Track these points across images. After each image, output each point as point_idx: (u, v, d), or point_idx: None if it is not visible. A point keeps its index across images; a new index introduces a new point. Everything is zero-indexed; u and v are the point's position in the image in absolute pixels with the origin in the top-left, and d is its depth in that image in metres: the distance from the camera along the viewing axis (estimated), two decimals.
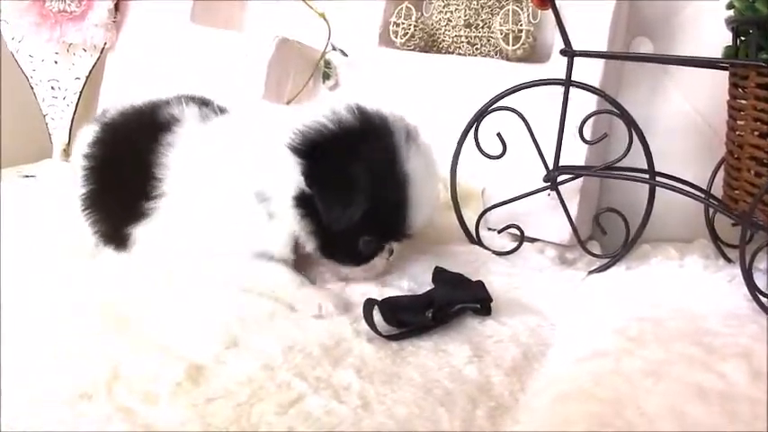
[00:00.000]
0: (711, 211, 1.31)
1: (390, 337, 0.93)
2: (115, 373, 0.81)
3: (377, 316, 0.95)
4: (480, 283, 1.03)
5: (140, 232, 1.13)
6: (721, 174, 1.29)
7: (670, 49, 1.49)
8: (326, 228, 1.02)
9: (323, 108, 1.06)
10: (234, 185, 1.07)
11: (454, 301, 0.99)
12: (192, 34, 1.71)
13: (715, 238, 1.31)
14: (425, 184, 1.06)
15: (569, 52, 1.22)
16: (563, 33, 1.21)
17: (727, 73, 1.22)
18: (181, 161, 1.11)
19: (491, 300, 1.01)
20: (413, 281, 1.12)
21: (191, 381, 0.81)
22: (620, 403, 0.83)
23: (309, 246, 1.06)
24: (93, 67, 1.88)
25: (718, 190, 1.28)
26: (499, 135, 1.25)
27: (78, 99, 1.89)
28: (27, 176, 1.74)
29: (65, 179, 1.58)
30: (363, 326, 0.95)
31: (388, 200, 1.03)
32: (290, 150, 1.02)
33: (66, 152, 1.88)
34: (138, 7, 1.82)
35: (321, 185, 1.01)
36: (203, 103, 1.20)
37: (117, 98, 1.75)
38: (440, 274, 1.08)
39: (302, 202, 1.02)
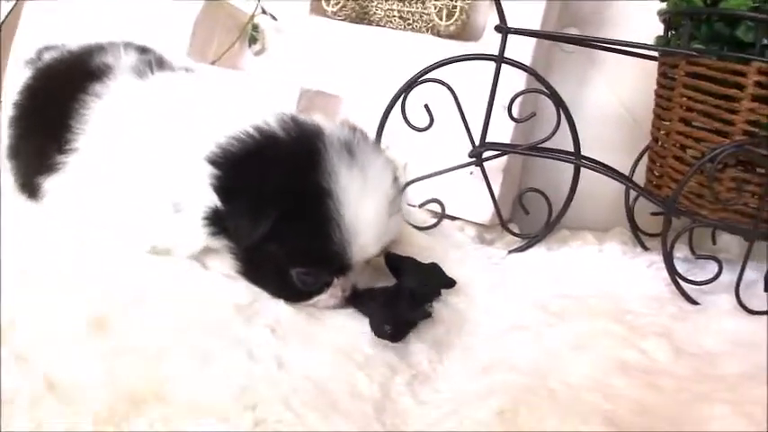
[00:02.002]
0: (632, 199, 1.32)
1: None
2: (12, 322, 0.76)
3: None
4: (438, 268, 1.00)
5: (50, 184, 1.06)
6: (642, 164, 1.30)
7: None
8: (244, 249, 0.92)
9: (253, 116, 0.95)
10: (148, 178, 0.96)
11: (430, 292, 0.96)
12: None
13: (634, 225, 1.32)
14: (366, 205, 0.90)
15: (504, 29, 1.21)
16: (499, 9, 1.20)
17: (652, 65, 1.23)
18: (102, 118, 1.03)
19: (454, 284, 0.99)
20: None
21: (95, 331, 0.76)
22: (543, 374, 0.82)
23: (234, 270, 0.94)
24: (8, 15, 1.80)
25: (639, 179, 1.30)
26: (426, 107, 1.22)
27: None
28: None
29: None
30: None
31: (313, 221, 0.89)
32: (208, 162, 0.90)
33: None
34: None
35: (230, 198, 0.90)
36: (143, 50, 1.13)
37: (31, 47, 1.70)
38: (396, 261, 1.01)
39: (215, 219, 0.91)
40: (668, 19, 1.16)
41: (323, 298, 0.93)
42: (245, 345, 0.78)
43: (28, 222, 1.04)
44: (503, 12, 1.21)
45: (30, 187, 1.10)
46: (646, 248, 1.30)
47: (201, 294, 0.87)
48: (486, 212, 1.33)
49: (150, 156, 0.97)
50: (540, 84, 1.23)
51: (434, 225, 1.27)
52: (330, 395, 0.74)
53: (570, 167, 1.27)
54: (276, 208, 0.87)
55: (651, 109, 1.25)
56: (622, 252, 1.25)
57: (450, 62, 1.22)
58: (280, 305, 0.88)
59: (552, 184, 1.34)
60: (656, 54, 1.22)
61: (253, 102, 1.02)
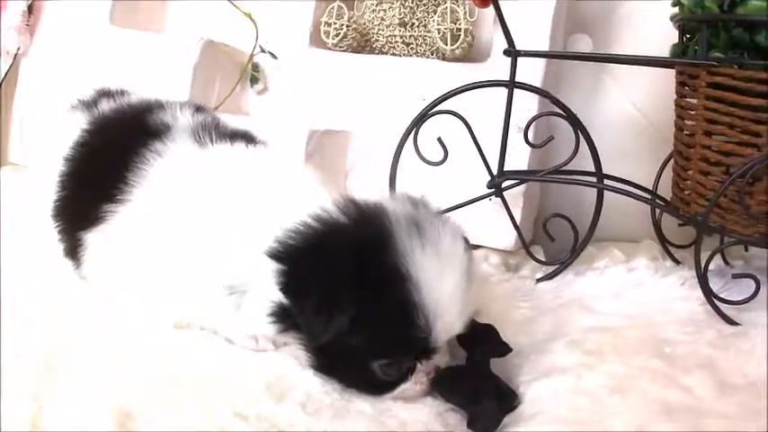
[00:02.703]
0: (658, 212, 1.29)
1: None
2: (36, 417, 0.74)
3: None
4: (494, 331, 0.94)
5: (93, 237, 1.04)
6: (665, 173, 1.27)
7: (608, 43, 1.48)
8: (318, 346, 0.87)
9: (311, 202, 0.90)
10: (200, 254, 0.93)
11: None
12: (112, 36, 1.61)
13: (662, 240, 1.29)
14: (445, 283, 0.84)
15: (513, 52, 1.17)
16: (506, 32, 1.16)
17: (667, 70, 1.20)
18: (159, 176, 1.01)
19: (510, 351, 0.93)
20: None
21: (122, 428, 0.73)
22: (585, 424, 0.79)
23: (307, 364, 0.89)
24: (7, 73, 1.77)
25: (663, 187, 1.27)
26: (440, 140, 1.19)
27: None
28: None
29: None
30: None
31: (392, 308, 0.83)
32: (269, 257, 0.86)
33: None
34: (53, 10, 1.72)
35: (297, 295, 0.85)
36: (198, 109, 1.12)
37: (34, 104, 1.68)
38: None
39: (282, 316, 0.88)
40: (682, 25, 1.13)
41: (408, 386, 0.87)
42: (275, 425, 0.76)
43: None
44: (510, 34, 1.17)
45: (73, 248, 1.08)
46: (677, 262, 1.26)
47: (226, 374, 0.85)
48: (508, 238, 1.31)
49: (205, 233, 0.93)
50: (556, 106, 1.19)
51: None
52: None
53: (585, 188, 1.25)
54: (351, 302, 0.82)
55: (669, 112, 1.22)
56: (654, 270, 1.22)
57: (460, 92, 1.19)
58: (308, 378, 0.85)
59: (572, 203, 1.33)
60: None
61: (309, 184, 0.98)
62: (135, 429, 0.73)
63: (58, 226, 1.11)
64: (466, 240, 0.92)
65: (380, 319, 0.83)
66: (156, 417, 0.76)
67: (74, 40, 1.65)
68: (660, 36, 1.22)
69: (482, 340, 0.92)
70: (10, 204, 1.39)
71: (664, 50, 1.19)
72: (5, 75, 1.77)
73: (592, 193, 1.26)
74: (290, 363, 0.88)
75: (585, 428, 0.78)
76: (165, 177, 1.00)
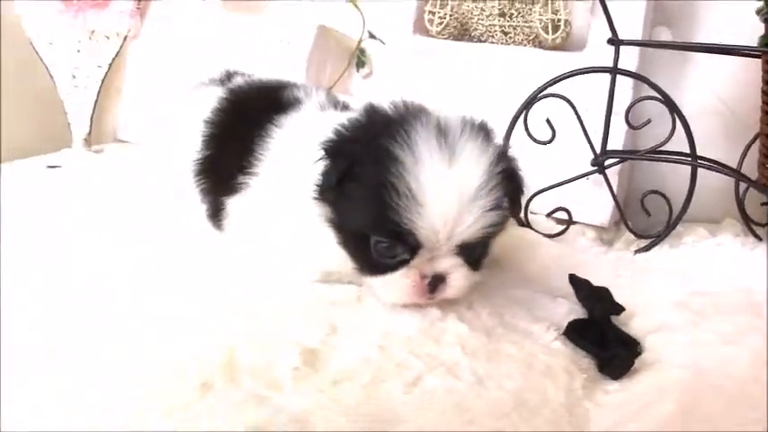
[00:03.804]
0: (741, 191, 1.38)
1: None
2: (231, 361, 0.83)
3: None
4: (608, 293, 1.05)
5: (232, 205, 1.13)
6: (750, 155, 1.37)
7: (688, 36, 1.56)
8: (337, 218, 0.97)
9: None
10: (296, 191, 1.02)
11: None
12: (225, 21, 1.72)
13: (745, 217, 1.38)
14: (447, 187, 0.89)
15: (616, 41, 1.28)
16: (610, 23, 1.27)
17: (745, 61, 1.31)
18: (280, 145, 1.10)
19: (623, 310, 1.03)
20: (485, 267, 1.08)
21: (308, 366, 0.83)
22: (704, 370, 0.88)
23: (333, 242, 0.99)
24: (116, 55, 1.89)
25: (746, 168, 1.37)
26: (548, 121, 1.30)
27: (100, 87, 1.90)
28: (52, 167, 1.73)
29: (91, 169, 1.64)
30: (449, 306, 0.98)
31: (392, 191, 0.88)
32: (321, 150, 0.97)
33: (88, 141, 1.89)
34: None
35: (328, 158, 0.96)
36: (329, 93, 1.20)
37: (142, 85, 1.79)
38: (580, 285, 1.07)
39: (320, 188, 0.98)
40: None
41: (397, 276, 0.94)
42: (443, 364, 0.85)
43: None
44: (613, 25, 1.28)
45: (216, 211, 1.16)
46: (759, 238, 1.35)
47: (383, 320, 0.95)
48: (604, 214, 1.41)
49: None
50: (655, 91, 1.30)
51: (562, 232, 1.35)
52: (527, 403, 0.81)
53: (670, 166, 1.35)
54: (351, 158, 0.92)
55: (747, 101, 1.33)
56: (741, 244, 1.31)
57: (569, 76, 1.30)
58: (457, 325, 0.95)
59: (658, 184, 1.41)
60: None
61: None
62: (320, 368, 0.83)
63: (200, 184, 1.19)
64: (498, 169, 0.94)
65: (380, 199, 0.89)
66: (335, 355, 0.87)
67: (185, 23, 1.77)
68: (739, 21, 1.32)
69: (600, 299, 1.04)
70: (117, 179, 1.50)
71: (738, 42, 1.30)
72: (115, 56, 1.88)
73: (675, 172, 1.36)
74: (433, 313, 0.97)
75: (706, 374, 0.87)
76: (282, 144, 1.10)
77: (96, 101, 1.89)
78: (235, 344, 0.85)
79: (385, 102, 1.00)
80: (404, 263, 0.94)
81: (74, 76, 1.88)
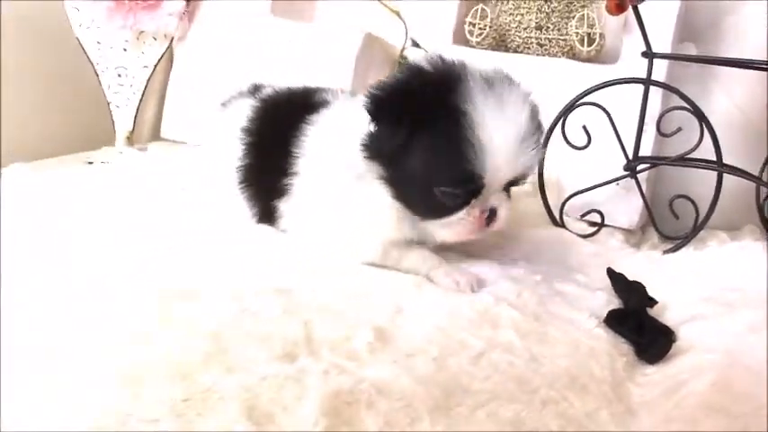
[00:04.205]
0: (762, 197, 1.47)
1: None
2: (309, 335, 0.89)
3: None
4: (642, 287, 1.13)
5: (284, 206, 1.19)
6: None
7: (713, 52, 1.65)
8: (393, 171, 1.05)
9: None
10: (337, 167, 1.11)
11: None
12: (273, 27, 1.79)
13: (766, 223, 1.47)
14: (500, 130, 1.00)
15: (650, 54, 1.37)
16: (645, 37, 1.36)
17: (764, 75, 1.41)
18: (314, 141, 1.16)
19: (656, 303, 1.11)
20: (530, 263, 1.21)
21: (380, 341, 0.90)
22: (736, 354, 0.95)
23: (389, 197, 1.08)
24: (162, 56, 1.95)
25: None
26: (584, 128, 1.39)
27: (145, 87, 1.96)
28: (102, 162, 1.78)
29: (139, 165, 1.69)
30: (501, 295, 1.07)
31: (451, 141, 0.99)
32: (366, 97, 1.05)
33: (130, 139, 1.95)
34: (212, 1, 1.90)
35: (378, 117, 1.04)
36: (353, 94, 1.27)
37: (187, 86, 1.86)
38: (616, 278, 1.16)
39: (368, 144, 1.06)
40: None
41: (462, 215, 1.05)
42: (500, 345, 0.93)
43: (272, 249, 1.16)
44: (647, 39, 1.37)
45: (267, 211, 1.22)
46: None
47: (442, 305, 1.02)
48: (632, 218, 1.50)
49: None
50: (685, 102, 1.38)
51: (595, 233, 1.44)
52: (578, 380, 0.89)
53: (693, 172, 1.44)
54: (412, 118, 1.00)
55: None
56: (763, 248, 1.37)
57: (605, 86, 1.39)
58: (509, 311, 1.02)
59: (680, 190, 1.48)
60: None
61: None
62: (391, 343, 0.90)
63: (245, 191, 1.25)
64: (535, 112, 1.08)
65: (440, 150, 1.01)
66: (402, 333, 0.95)
67: (233, 28, 1.83)
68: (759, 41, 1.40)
69: (634, 291, 1.12)
70: (156, 176, 1.55)
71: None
72: (161, 57, 1.95)
73: (697, 179, 1.46)
74: (487, 300, 1.04)
75: (737, 357, 0.94)
76: (319, 139, 1.16)
77: (141, 101, 1.96)
78: (311, 318, 0.92)
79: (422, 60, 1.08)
80: (465, 204, 1.05)
81: (119, 75, 1.95)
